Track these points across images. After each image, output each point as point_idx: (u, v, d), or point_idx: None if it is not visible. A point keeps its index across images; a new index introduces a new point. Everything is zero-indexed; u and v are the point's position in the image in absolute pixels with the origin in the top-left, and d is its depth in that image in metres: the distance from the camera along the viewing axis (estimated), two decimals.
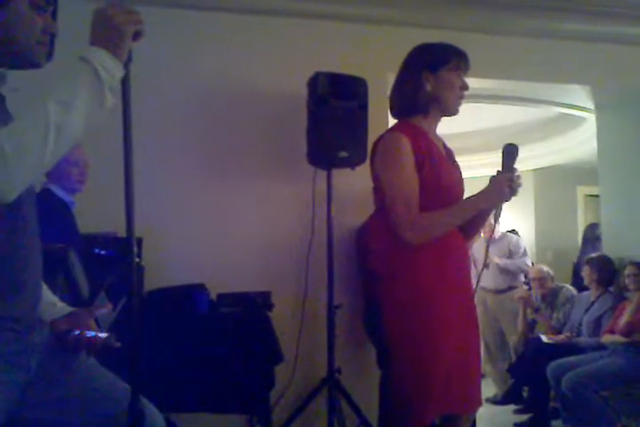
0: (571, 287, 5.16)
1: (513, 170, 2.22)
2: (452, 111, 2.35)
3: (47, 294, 1.65)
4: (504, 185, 2.18)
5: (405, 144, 2.22)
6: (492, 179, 2.22)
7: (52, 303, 1.65)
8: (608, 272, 4.56)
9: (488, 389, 4.79)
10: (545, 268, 5.26)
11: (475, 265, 5.02)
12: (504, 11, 4.08)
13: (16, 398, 1.42)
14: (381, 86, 3.72)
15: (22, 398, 1.45)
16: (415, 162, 2.22)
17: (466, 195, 2.49)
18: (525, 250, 5.73)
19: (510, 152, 2.24)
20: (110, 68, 1.31)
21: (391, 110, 2.44)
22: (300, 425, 3.44)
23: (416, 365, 2.20)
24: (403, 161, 2.22)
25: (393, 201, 2.24)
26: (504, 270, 5.50)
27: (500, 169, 2.24)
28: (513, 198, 2.22)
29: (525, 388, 4.92)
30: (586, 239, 6.88)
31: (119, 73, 1.34)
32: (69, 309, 1.66)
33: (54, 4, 1.49)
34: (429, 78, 2.29)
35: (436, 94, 2.30)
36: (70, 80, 1.30)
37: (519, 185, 2.21)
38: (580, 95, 4.71)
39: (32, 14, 1.43)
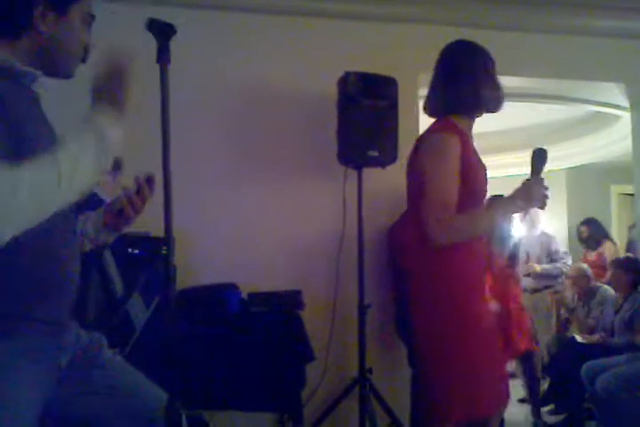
0: (608, 287, 5.07)
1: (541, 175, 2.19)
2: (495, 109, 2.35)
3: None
4: (540, 192, 2.14)
5: (456, 146, 2.19)
6: (524, 185, 2.17)
7: None
8: (636, 273, 4.52)
9: (518, 390, 4.74)
10: (584, 266, 5.19)
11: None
12: (537, 8, 4.04)
13: (49, 393, 1.45)
14: (411, 85, 3.72)
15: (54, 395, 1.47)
16: (462, 165, 2.19)
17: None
18: (566, 251, 5.69)
19: (542, 156, 2.19)
20: None
21: (430, 108, 2.39)
22: (331, 424, 3.45)
23: (443, 363, 2.18)
24: (450, 162, 2.18)
25: (431, 199, 2.18)
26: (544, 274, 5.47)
27: (530, 175, 2.19)
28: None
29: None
30: (631, 239, 6.75)
31: None
32: None
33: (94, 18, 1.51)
34: (487, 82, 2.29)
35: (488, 96, 2.29)
36: None
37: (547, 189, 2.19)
38: (614, 93, 4.64)
39: (82, 30, 1.45)
